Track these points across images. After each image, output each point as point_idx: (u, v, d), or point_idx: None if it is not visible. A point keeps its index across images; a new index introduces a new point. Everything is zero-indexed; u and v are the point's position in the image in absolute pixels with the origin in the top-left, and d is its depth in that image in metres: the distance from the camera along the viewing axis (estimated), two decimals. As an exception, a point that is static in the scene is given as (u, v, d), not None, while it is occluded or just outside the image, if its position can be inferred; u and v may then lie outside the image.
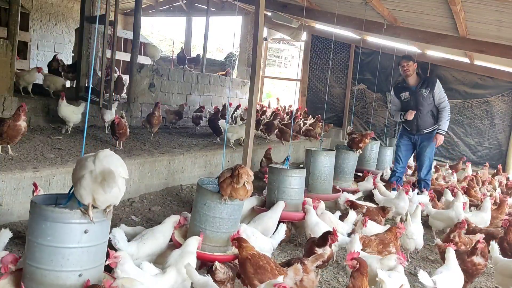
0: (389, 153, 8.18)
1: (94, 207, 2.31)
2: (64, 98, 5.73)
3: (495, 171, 8.45)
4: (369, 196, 6.17)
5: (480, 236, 3.78)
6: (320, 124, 9.22)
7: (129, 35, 10.39)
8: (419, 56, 9.98)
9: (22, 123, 4.32)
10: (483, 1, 5.34)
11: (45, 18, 11.82)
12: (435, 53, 10.17)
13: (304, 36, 11.86)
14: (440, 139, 6.19)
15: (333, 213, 4.56)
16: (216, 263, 2.90)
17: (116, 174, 2.23)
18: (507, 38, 6.90)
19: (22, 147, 4.78)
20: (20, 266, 2.50)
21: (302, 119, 9.92)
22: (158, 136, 6.90)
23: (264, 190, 5.30)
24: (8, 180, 3.78)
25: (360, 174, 6.86)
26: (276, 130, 8.16)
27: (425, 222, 5.18)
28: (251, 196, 4.82)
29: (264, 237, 3.73)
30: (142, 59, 9.87)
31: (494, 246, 3.82)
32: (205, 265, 3.38)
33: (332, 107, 11.42)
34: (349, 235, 4.12)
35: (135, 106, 7.79)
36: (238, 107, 9.47)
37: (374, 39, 10.54)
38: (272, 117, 8.62)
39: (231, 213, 3.36)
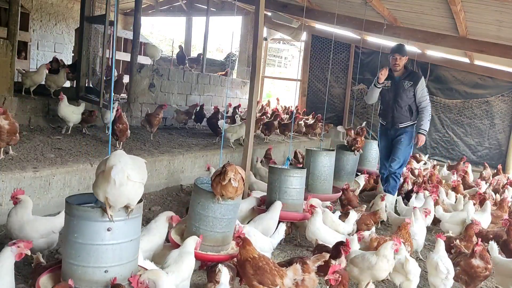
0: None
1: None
2: (64, 98, 5.73)
3: (495, 171, 8.44)
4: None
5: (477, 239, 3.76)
6: (320, 124, 9.22)
7: (129, 35, 10.37)
8: (419, 56, 10.00)
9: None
10: (483, 1, 5.35)
11: (45, 18, 11.82)
12: (435, 53, 10.17)
13: (304, 36, 11.84)
14: (422, 139, 5.85)
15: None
16: (220, 265, 2.89)
17: (115, 168, 2.29)
18: (507, 38, 6.90)
19: (22, 147, 4.77)
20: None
21: (303, 119, 9.91)
22: (158, 136, 6.90)
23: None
24: (8, 180, 3.78)
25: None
26: (277, 130, 8.16)
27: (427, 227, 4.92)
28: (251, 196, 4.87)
29: (264, 237, 3.75)
30: (142, 59, 9.85)
31: (493, 246, 3.82)
32: (205, 265, 3.39)
33: (332, 107, 11.42)
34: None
35: (135, 106, 7.79)
36: (238, 107, 9.46)
37: (374, 39, 10.54)
38: (272, 117, 8.62)
39: (225, 213, 3.36)
